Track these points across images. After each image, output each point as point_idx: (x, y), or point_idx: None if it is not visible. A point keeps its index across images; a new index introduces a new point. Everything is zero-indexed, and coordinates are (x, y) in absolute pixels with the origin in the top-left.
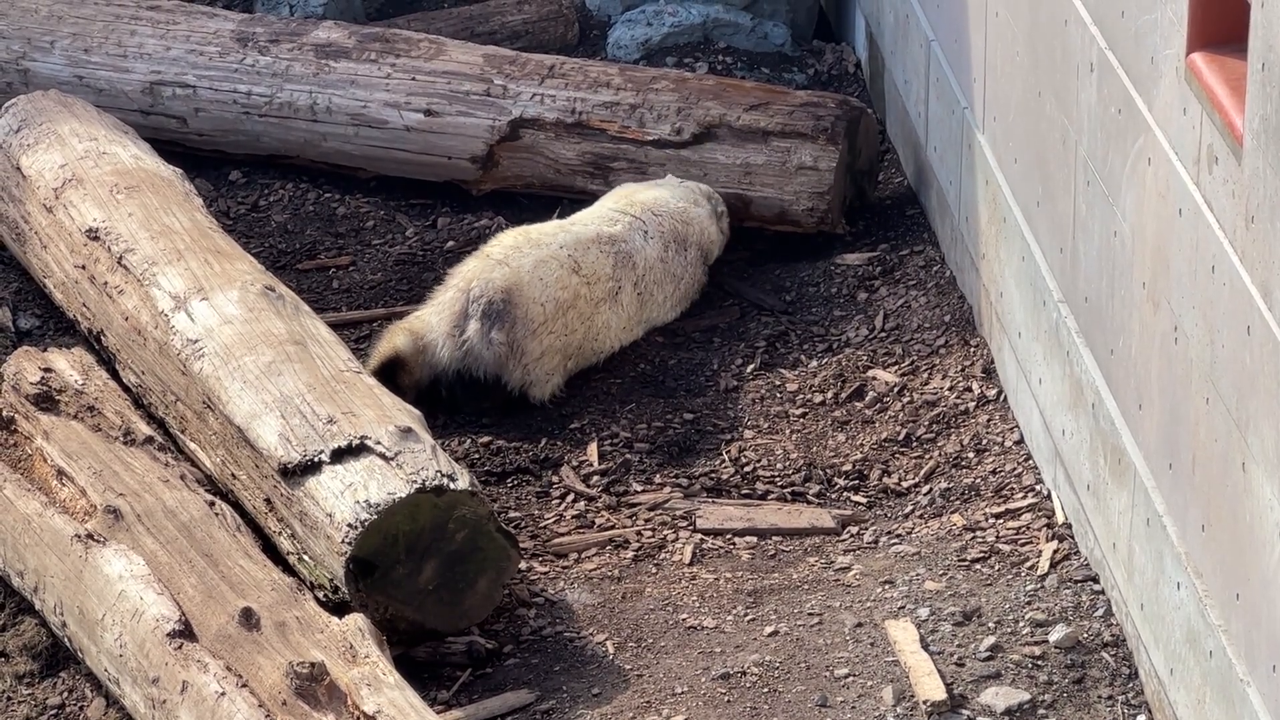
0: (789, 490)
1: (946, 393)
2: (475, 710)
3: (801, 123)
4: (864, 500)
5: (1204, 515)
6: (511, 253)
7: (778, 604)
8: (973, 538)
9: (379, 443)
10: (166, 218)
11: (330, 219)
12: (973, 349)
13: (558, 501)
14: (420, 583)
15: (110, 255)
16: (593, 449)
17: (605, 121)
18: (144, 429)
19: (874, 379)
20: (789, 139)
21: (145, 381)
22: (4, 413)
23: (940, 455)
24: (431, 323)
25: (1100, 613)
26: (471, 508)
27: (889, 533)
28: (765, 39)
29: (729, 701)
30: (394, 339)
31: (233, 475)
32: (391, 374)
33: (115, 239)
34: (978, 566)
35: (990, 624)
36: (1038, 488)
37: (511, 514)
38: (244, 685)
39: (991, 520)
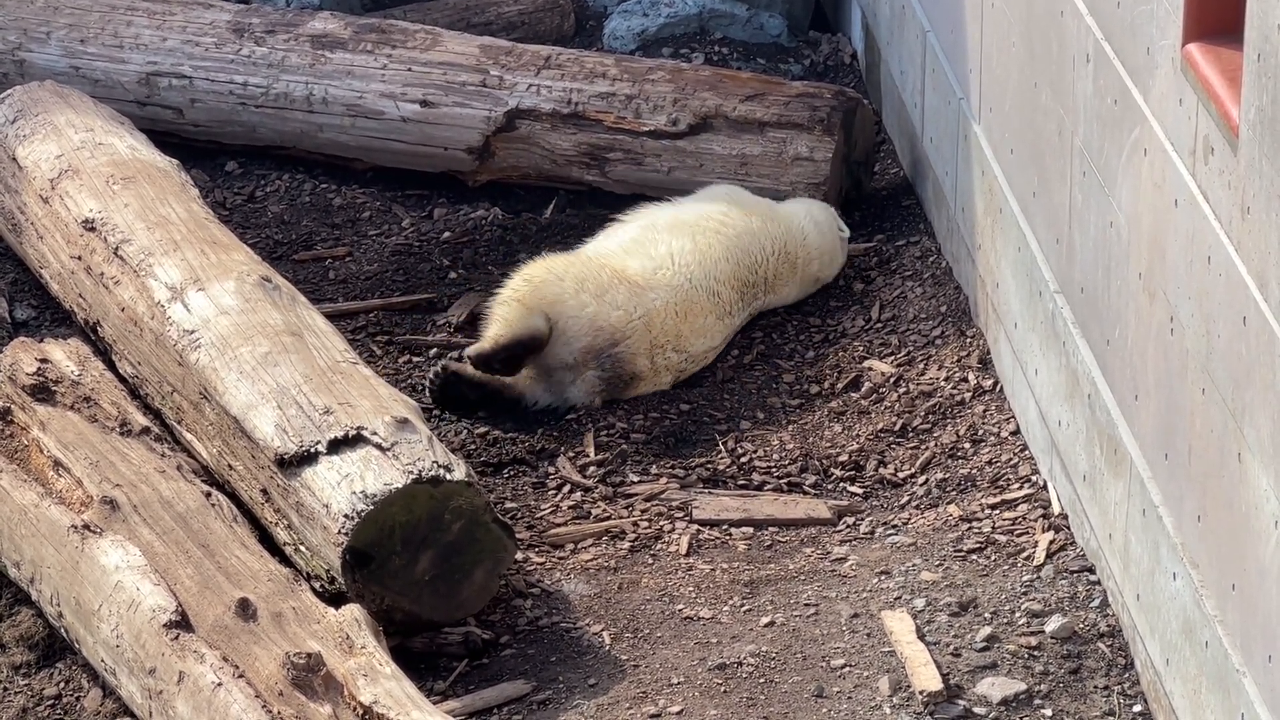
0: (785, 481)
1: (942, 383)
2: (472, 700)
3: (798, 114)
4: (860, 491)
5: (1200, 506)
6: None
7: (774, 595)
8: (969, 528)
9: (375, 433)
10: (163, 208)
11: (326, 210)
12: (969, 340)
13: (554, 492)
14: (417, 573)
15: (106, 246)
16: (589, 440)
17: (601, 112)
18: (140, 420)
19: (870, 370)
20: (785, 130)
21: (142, 372)
22: (0, 403)
23: (936, 446)
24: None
25: (1096, 603)
26: (468, 498)
27: (885, 523)
28: (761, 30)
29: (725, 692)
30: (532, 319)
31: (229, 466)
32: (518, 358)
33: (111, 230)
34: (974, 557)
35: (986, 614)
36: (1034, 478)
37: (508, 505)
38: (240, 676)
39: (988, 511)
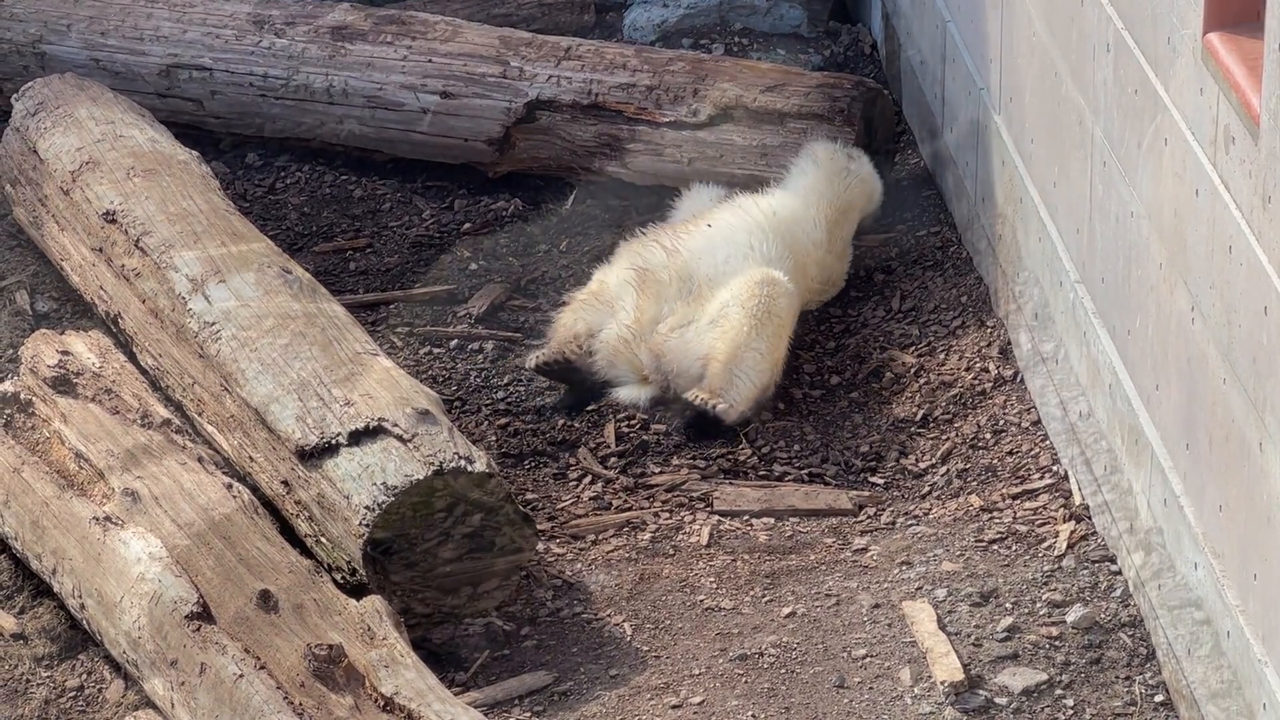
0: (806, 471)
1: (963, 373)
2: (493, 691)
3: (818, 104)
4: (881, 481)
5: (1221, 496)
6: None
7: (795, 585)
8: (990, 519)
9: (396, 425)
10: (183, 200)
11: (346, 201)
12: (989, 330)
13: (575, 483)
14: (438, 565)
15: (127, 238)
16: (610, 430)
17: (621, 103)
18: (161, 412)
19: (891, 360)
20: (805, 120)
21: (162, 364)
22: (22, 395)
23: (957, 436)
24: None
25: (1118, 593)
26: (489, 490)
27: (906, 514)
28: (781, 20)
29: (746, 682)
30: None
31: (250, 458)
32: None
33: (132, 222)
34: (995, 547)
35: (1008, 605)
36: (1055, 468)
37: (529, 496)
38: (262, 667)
39: (1009, 501)
